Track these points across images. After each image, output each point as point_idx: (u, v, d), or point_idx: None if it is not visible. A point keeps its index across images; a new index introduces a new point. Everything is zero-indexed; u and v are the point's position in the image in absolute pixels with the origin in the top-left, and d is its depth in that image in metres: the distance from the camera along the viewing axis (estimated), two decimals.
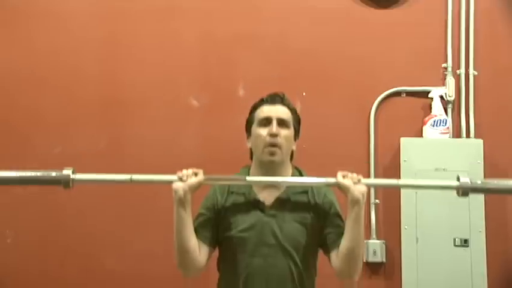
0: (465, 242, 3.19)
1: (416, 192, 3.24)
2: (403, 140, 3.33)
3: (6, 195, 3.37)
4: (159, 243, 3.35)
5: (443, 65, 3.47)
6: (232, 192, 2.13)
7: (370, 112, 3.44)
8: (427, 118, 3.37)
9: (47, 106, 3.54)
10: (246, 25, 3.54)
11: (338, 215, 2.12)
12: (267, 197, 2.10)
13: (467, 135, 3.39)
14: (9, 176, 2.18)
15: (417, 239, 3.23)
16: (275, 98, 2.14)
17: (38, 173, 2.17)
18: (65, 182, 2.13)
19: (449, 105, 3.43)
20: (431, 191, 3.20)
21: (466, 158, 3.26)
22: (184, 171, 2.05)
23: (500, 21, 3.50)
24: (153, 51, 3.56)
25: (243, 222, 2.08)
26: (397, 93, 3.48)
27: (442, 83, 3.45)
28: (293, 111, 2.15)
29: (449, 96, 3.42)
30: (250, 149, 2.17)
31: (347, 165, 3.33)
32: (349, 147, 3.46)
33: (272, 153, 2.06)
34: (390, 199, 3.35)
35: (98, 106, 3.53)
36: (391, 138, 3.39)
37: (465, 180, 1.99)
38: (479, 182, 2.02)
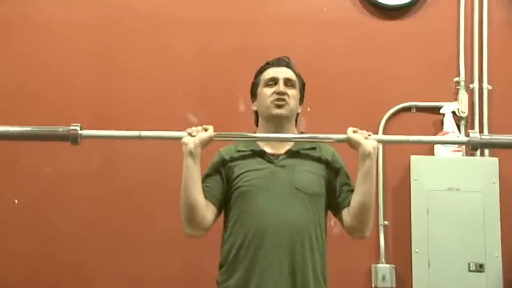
0: (480, 267, 3.03)
1: (427, 213, 3.09)
2: (413, 158, 3.17)
3: None
4: (154, 266, 3.22)
5: (456, 79, 3.35)
6: (239, 151, 2.13)
7: (378, 128, 3.29)
8: (438, 135, 3.21)
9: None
10: (246, 38, 3.40)
11: (347, 175, 2.14)
12: (276, 152, 2.11)
13: (482, 154, 3.22)
14: (15, 131, 2.16)
15: (429, 263, 3.06)
16: (281, 61, 2.17)
17: (45, 129, 2.17)
18: (73, 138, 2.12)
19: (462, 122, 3.30)
20: (442, 211, 3.09)
21: (481, 177, 3.11)
22: (194, 127, 2.05)
23: None
24: (148, 65, 3.40)
25: (253, 173, 2.05)
26: (407, 109, 3.35)
27: (455, 98, 3.33)
28: (298, 75, 2.18)
29: (462, 112, 3.29)
30: (256, 114, 2.18)
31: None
32: (356, 166, 3.27)
33: (280, 106, 2.07)
34: (400, 220, 3.20)
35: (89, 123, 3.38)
36: (401, 156, 3.21)
37: (475, 135, 2.15)
38: (488, 137, 2.29)
